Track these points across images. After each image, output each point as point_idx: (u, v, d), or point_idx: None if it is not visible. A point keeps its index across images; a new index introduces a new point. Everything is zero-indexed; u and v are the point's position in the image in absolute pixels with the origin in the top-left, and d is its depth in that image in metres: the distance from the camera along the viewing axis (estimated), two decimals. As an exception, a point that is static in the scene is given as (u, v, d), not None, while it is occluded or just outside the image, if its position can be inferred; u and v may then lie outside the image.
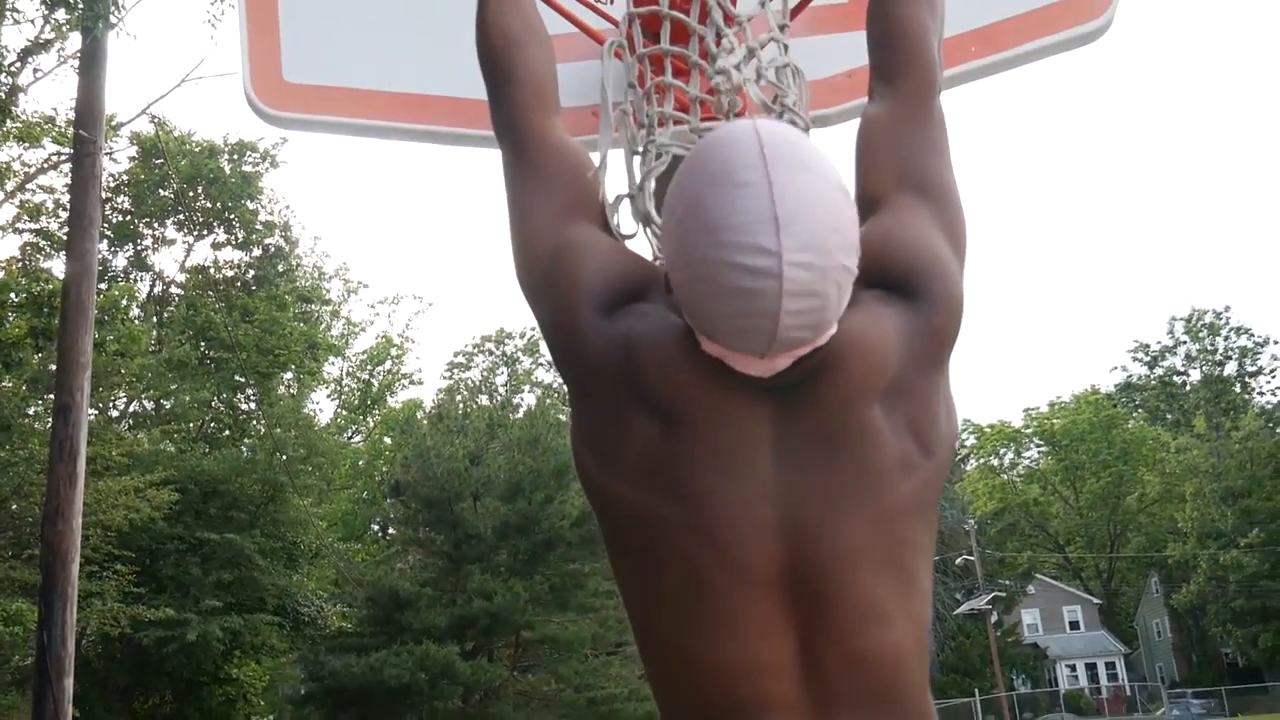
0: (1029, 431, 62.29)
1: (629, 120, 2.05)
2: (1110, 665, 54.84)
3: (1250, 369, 62.42)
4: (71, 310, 10.54)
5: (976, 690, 44.36)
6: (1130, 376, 66.65)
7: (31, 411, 18.49)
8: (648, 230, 1.91)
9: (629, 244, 1.77)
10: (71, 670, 9.64)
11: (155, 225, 28.78)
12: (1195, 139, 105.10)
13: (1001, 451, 63.13)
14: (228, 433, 27.83)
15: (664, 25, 2.13)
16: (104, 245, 26.83)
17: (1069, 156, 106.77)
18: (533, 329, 42.48)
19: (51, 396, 11.13)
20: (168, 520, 19.76)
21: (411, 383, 45.49)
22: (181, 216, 28.15)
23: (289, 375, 28.92)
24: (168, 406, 26.80)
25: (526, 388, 47.01)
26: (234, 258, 28.95)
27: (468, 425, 28.95)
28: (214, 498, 22.28)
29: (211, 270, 28.63)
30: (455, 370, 49.18)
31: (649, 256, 1.83)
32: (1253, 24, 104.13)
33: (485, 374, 49.09)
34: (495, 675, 24.76)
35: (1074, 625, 56.47)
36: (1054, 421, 60.74)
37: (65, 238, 13.24)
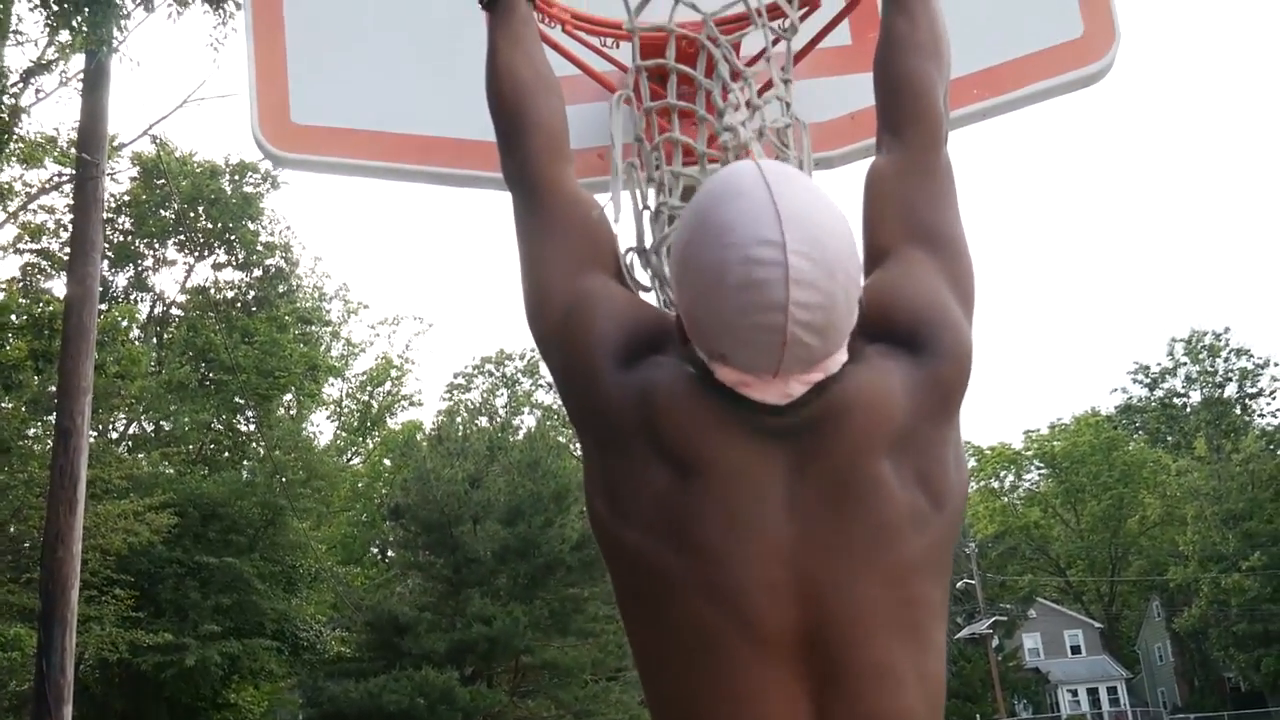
0: (1029, 454, 62.23)
1: (637, 173, 2.06)
2: (1112, 690, 54.66)
3: (1250, 390, 62.38)
4: (73, 334, 10.55)
5: (978, 716, 44.21)
6: (1130, 398, 66.63)
7: (31, 433, 18.47)
8: (658, 284, 1.92)
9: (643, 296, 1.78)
10: (71, 697, 9.63)
11: (156, 246, 28.84)
12: (1194, 161, 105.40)
13: (1002, 474, 63.05)
14: (227, 455, 27.81)
15: (671, 78, 2.14)
16: (105, 266, 26.85)
17: (1069, 179, 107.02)
18: (532, 350, 42.50)
19: (51, 418, 11.13)
20: (167, 544, 19.71)
21: (411, 404, 45.51)
22: (182, 237, 28.20)
23: (289, 397, 28.92)
24: (167, 428, 26.79)
25: (526, 409, 47.02)
26: (234, 278, 29.01)
27: (467, 448, 28.91)
28: (213, 521, 22.23)
29: (212, 291, 28.67)
30: (455, 392, 49.24)
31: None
32: (1250, 47, 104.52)
33: (485, 395, 49.12)
34: (495, 701, 24.66)
35: (1075, 649, 56.30)
36: (1054, 444, 60.70)
37: (66, 258, 13.27)
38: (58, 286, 21.94)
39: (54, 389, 12.04)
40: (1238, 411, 61.64)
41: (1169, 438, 63.33)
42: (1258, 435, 52.15)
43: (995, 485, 62.48)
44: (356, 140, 2.58)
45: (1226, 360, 62.57)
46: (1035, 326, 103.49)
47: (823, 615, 1.45)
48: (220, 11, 12.36)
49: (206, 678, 20.47)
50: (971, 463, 62.42)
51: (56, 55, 14.36)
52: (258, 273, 28.88)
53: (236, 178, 27.51)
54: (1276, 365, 61.25)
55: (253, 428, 28.13)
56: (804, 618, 1.45)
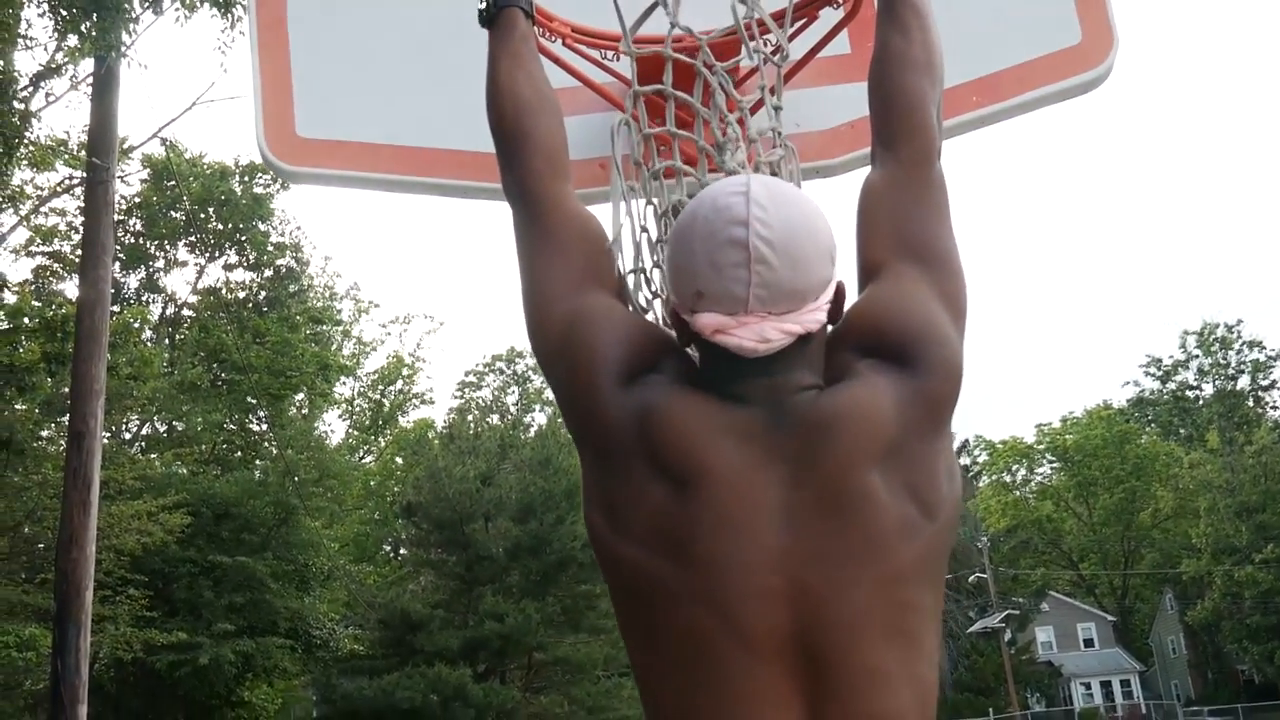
0: (1041, 447, 62.12)
1: (636, 197, 2.09)
2: (1125, 683, 54.55)
3: (1263, 383, 62.19)
4: (85, 337, 10.61)
5: (990, 710, 44.16)
6: (1143, 391, 66.45)
7: (45, 435, 18.55)
8: (655, 303, 1.95)
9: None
10: (85, 698, 9.68)
11: (167, 247, 28.93)
12: (1207, 153, 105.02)
13: (1014, 468, 62.97)
14: (240, 454, 27.90)
15: (668, 104, 2.16)
16: (116, 268, 26.97)
17: (1081, 173, 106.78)
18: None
19: (64, 420, 11.19)
20: (180, 543, 19.79)
21: (423, 402, 45.57)
22: (193, 238, 28.28)
23: (300, 396, 28.99)
24: (180, 429, 26.88)
25: (538, 407, 47.04)
26: (245, 279, 29.09)
27: (479, 445, 28.98)
28: (226, 520, 22.32)
29: (223, 292, 28.75)
30: (466, 389, 49.29)
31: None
32: (1264, 40, 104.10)
33: (496, 393, 49.17)
34: (508, 698, 24.70)
35: (1088, 643, 56.20)
36: (1066, 437, 60.57)
37: (78, 260, 13.33)
38: (70, 289, 22.04)
39: (67, 391, 12.09)
40: (1250, 404, 61.45)
41: (1181, 430, 63.17)
42: (1270, 427, 51.99)
43: (1007, 479, 62.39)
44: (360, 153, 2.60)
45: (1239, 352, 62.40)
46: (1047, 320, 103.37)
47: (815, 621, 1.49)
48: (228, 15, 12.40)
49: (220, 676, 20.57)
50: (983, 456, 62.35)
51: (66, 59, 14.43)
52: (269, 273, 28.96)
53: (246, 179, 27.58)
54: (1290, 357, 61.05)
55: (265, 427, 28.21)
56: (797, 623, 1.48)
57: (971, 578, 47.76)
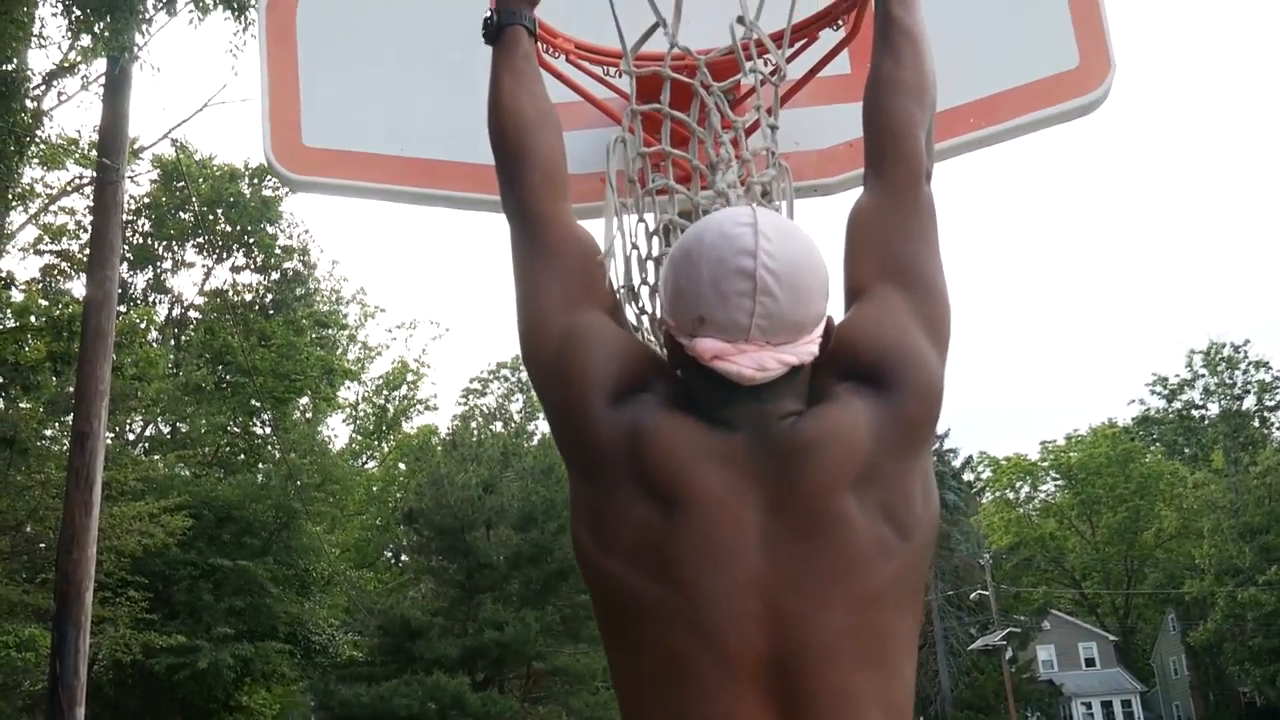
0: (1045, 465, 62.00)
1: (629, 215, 2.12)
2: (1126, 703, 54.38)
3: (1269, 403, 61.95)
4: (91, 337, 10.64)
5: (990, 726, 44.05)
6: (1148, 410, 66.18)
7: (49, 434, 18.59)
8: (646, 323, 1.98)
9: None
10: (84, 699, 9.70)
11: (175, 248, 28.99)
12: (1216, 173, 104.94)
13: (1018, 485, 62.83)
14: (243, 457, 27.92)
15: (665, 124, 2.19)
16: (124, 268, 27.03)
17: (1088, 189, 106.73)
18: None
19: (69, 419, 11.23)
20: (181, 546, 19.78)
21: (427, 408, 45.54)
22: (201, 240, 28.33)
23: (305, 400, 29.01)
24: (184, 430, 26.91)
25: (541, 415, 46.90)
26: (252, 281, 29.13)
27: (482, 453, 28.97)
28: (228, 524, 22.32)
29: (230, 294, 28.79)
30: (470, 396, 49.26)
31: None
32: (1271, 58, 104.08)
33: (500, 400, 49.13)
34: (506, 707, 24.66)
35: (1090, 662, 56.05)
36: (1070, 455, 60.44)
37: (86, 259, 13.37)
38: (77, 288, 22.09)
39: (72, 390, 12.13)
40: (1256, 424, 61.24)
41: (1186, 450, 62.98)
42: (1276, 448, 51.78)
43: (1011, 496, 62.27)
44: (366, 163, 2.64)
45: (1245, 372, 62.18)
46: (1053, 337, 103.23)
47: (790, 643, 1.52)
48: (241, 18, 12.46)
49: (219, 680, 20.55)
50: (987, 473, 62.24)
51: (79, 59, 14.50)
52: (276, 276, 28.99)
53: (255, 181, 27.63)
54: (1296, 378, 60.88)
55: (269, 431, 28.23)
56: (772, 645, 1.52)
57: (973, 595, 47.67)
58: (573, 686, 26.20)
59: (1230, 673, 50.46)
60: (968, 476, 56.97)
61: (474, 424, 37.62)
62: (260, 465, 27.45)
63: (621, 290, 2.03)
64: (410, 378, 44.23)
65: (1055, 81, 2.61)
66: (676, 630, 1.54)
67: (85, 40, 12.08)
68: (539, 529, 26.36)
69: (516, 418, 46.83)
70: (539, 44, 2.27)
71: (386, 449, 44.39)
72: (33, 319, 16.27)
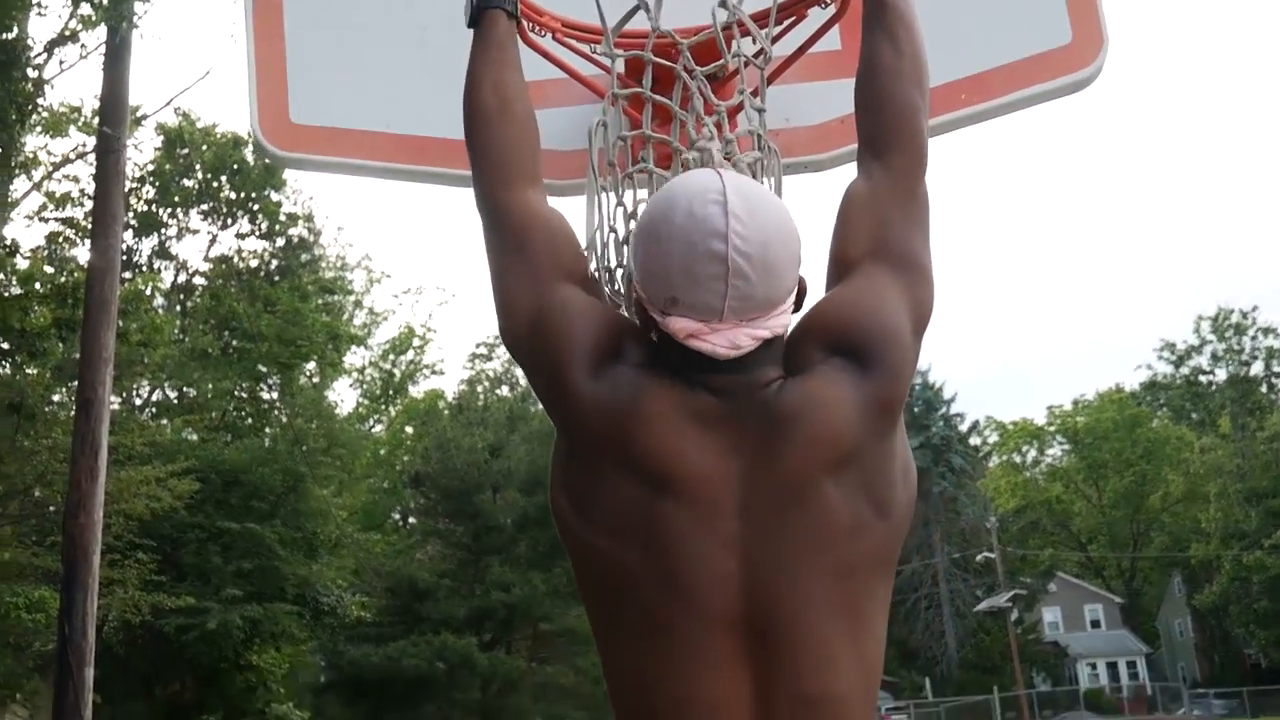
0: (1052, 429, 62.00)
1: (609, 195, 2.12)
2: (1131, 664, 54.62)
3: (1277, 369, 61.84)
4: (95, 305, 10.67)
5: (996, 688, 44.30)
6: (1155, 375, 66.10)
7: (56, 399, 18.65)
8: (621, 302, 1.98)
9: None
10: (92, 660, 9.79)
11: (180, 215, 28.96)
12: (1222, 136, 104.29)
13: (1024, 449, 62.87)
14: (250, 422, 28.01)
15: (646, 107, 2.19)
16: (129, 235, 27.02)
17: (1097, 154, 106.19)
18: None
19: (75, 384, 11.28)
20: (189, 509, 19.88)
21: (433, 373, 45.71)
22: (206, 206, 28.30)
23: (311, 366, 29.08)
24: (191, 395, 26.99)
25: (547, 379, 46.94)
26: (257, 247, 29.10)
27: (488, 417, 29.12)
28: (235, 487, 22.43)
29: (235, 260, 28.77)
30: (477, 361, 49.35)
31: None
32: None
33: (506, 365, 49.20)
34: (513, 667, 24.89)
35: (1095, 624, 56.27)
36: (1077, 419, 60.45)
37: (90, 227, 13.38)
38: (82, 254, 22.09)
39: (77, 357, 12.16)
40: (1264, 390, 61.17)
41: (1193, 415, 62.94)
42: (1283, 413, 51.75)
43: (1017, 460, 62.33)
44: (354, 140, 2.63)
45: (1254, 339, 62.02)
46: (1060, 302, 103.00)
47: (766, 603, 1.56)
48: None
49: (228, 640, 20.71)
50: (994, 437, 62.29)
51: (79, 27, 14.44)
52: (281, 242, 28.97)
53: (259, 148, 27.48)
54: (1304, 344, 60.73)
55: (275, 396, 28.31)
56: (749, 604, 1.56)
57: (979, 557, 47.83)
58: (579, 647, 26.39)
59: (1236, 635, 50.67)
60: (974, 441, 57.05)
61: (480, 388, 37.72)
62: (267, 430, 27.54)
63: (599, 272, 2.04)
64: (416, 343, 44.30)
65: (1047, 58, 2.59)
66: (656, 593, 1.57)
67: (85, 9, 12.04)
68: (544, 492, 26.36)
69: (522, 382, 46.89)
70: (525, 22, 2.26)
71: (393, 413, 44.52)
72: (37, 286, 16.26)
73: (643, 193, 2.19)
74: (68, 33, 15.03)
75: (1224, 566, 46.65)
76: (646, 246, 1.67)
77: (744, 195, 1.62)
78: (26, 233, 39.83)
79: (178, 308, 28.32)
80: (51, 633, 14.36)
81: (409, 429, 42.05)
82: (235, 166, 27.00)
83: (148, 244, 28.79)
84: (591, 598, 1.68)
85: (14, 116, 11.94)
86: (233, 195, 27.91)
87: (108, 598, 16.32)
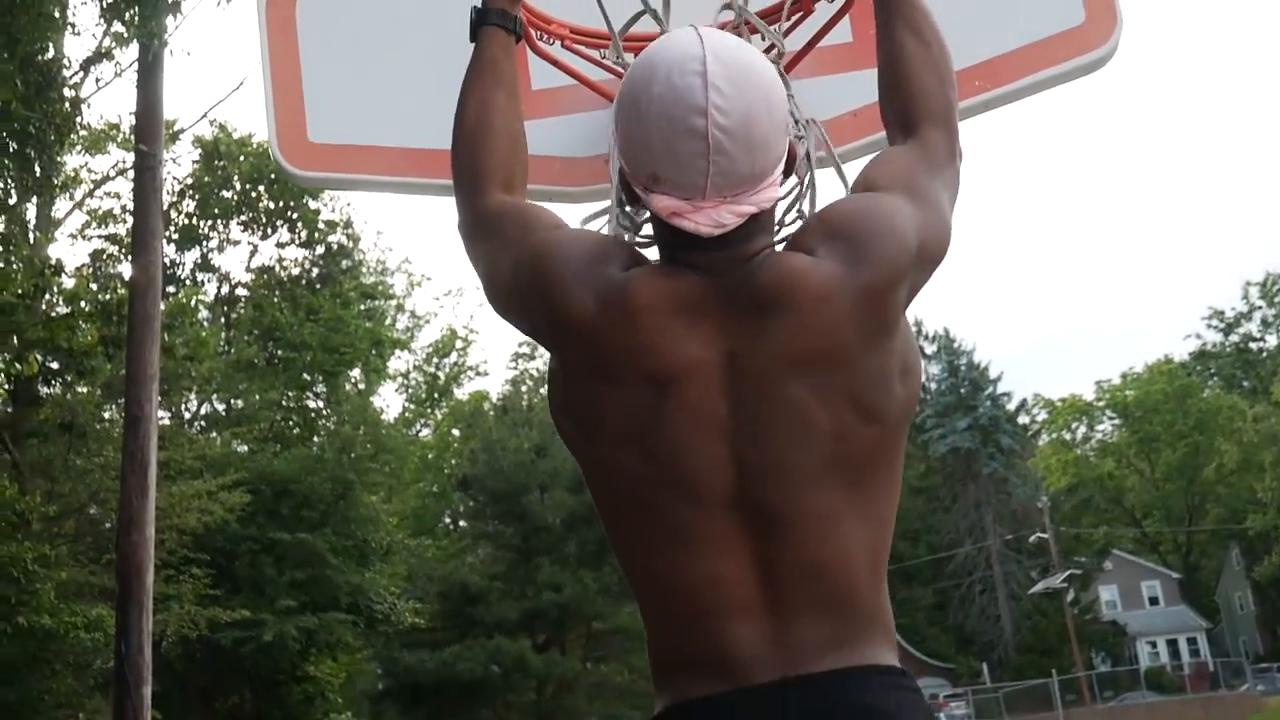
0: (1101, 404, 61.39)
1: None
2: (1192, 641, 54.02)
3: (1330, 332, 61.01)
4: (138, 322, 10.75)
5: (1054, 670, 43.91)
6: (1204, 344, 65.25)
7: (107, 417, 18.89)
8: None
9: None
10: (149, 678, 9.88)
11: (220, 227, 29.25)
12: (1268, 99, 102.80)
13: (1074, 425, 62.30)
14: (297, 431, 28.26)
15: None
16: (171, 249, 27.34)
17: (1136, 122, 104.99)
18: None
19: (123, 401, 11.39)
20: (241, 521, 20.10)
21: (477, 374, 45.84)
22: (246, 217, 28.56)
23: (356, 372, 29.28)
24: (239, 406, 27.26)
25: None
26: (298, 256, 29.34)
27: (533, 417, 29.18)
28: (285, 498, 22.63)
29: (277, 269, 29.02)
30: (520, 360, 49.53)
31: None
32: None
33: (549, 363, 49.40)
34: (568, 667, 24.94)
35: (1153, 601, 55.65)
36: (1127, 393, 59.82)
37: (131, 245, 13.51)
38: (126, 270, 22.35)
39: (124, 374, 12.30)
40: (1316, 354, 60.35)
41: (1245, 383, 62.12)
42: (1337, 378, 51.02)
43: (1067, 437, 61.76)
44: (372, 156, 2.66)
45: (1304, 302, 61.21)
46: (1106, 275, 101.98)
47: (760, 484, 1.58)
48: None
49: (284, 651, 20.91)
50: (1042, 415, 61.73)
51: (113, 45, 14.59)
52: (321, 250, 29.19)
53: (296, 157, 27.64)
54: (1356, 306, 59.79)
55: (321, 404, 28.53)
56: (744, 487, 1.58)
57: (1032, 538, 47.45)
58: (634, 644, 26.40)
59: (1297, 606, 50.05)
60: (1023, 420, 56.59)
61: (524, 388, 37.83)
62: (315, 438, 27.76)
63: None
64: (459, 344, 44.48)
65: (1061, 40, 2.57)
66: (658, 489, 1.60)
67: (118, 27, 12.15)
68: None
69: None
70: (534, 31, 2.26)
71: (439, 416, 44.73)
72: (83, 304, 16.48)
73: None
74: (102, 51, 15.21)
75: (1282, 537, 46.06)
76: (626, 120, 1.65)
77: (726, 63, 1.58)
78: (70, 251, 40.26)
79: (222, 320, 28.61)
80: (110, 651, 14.55)
81: (455, 431, 42.24)
82: (273, 176, 27.20)
83: (190, 257, 29.11)
84: (601, 502, 1.70)
85: (53, 137, 12.07)
86: (271, 205, 28.14)
87: (164, 613, 16.52)
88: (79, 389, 17.93)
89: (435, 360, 44.57)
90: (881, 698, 1.55)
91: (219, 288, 29.69)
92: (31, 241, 17.80)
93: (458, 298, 53.02)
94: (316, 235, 28.89)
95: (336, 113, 2.69)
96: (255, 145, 27.60)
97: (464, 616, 25.53)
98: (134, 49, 11.83)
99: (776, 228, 1.85)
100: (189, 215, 28.42)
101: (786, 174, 1.69)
